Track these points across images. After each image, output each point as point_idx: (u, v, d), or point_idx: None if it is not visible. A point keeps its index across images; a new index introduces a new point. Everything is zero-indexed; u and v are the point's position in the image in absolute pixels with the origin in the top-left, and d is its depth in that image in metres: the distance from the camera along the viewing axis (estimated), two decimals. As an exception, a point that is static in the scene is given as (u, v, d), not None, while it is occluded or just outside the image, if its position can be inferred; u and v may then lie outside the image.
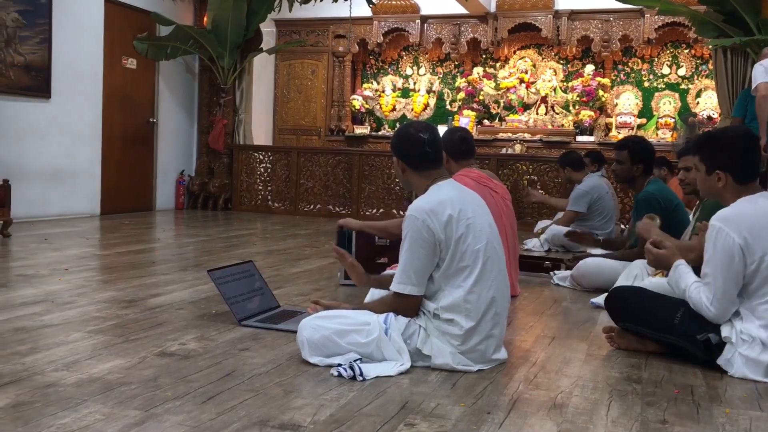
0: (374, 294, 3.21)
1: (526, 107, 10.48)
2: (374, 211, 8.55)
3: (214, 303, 3.41)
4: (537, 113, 10.39)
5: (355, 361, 2.39)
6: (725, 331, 2.55)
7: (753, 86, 5.31)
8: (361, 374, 2.32)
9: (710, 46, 7.16)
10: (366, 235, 4.16)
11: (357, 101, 11.03)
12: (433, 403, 2.14)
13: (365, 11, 9.99)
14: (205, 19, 8.92)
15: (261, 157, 9.17)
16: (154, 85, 8.85)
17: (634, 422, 2.06)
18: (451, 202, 2.50)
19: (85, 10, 7.66)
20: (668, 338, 2.72)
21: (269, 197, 9.10)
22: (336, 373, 2.35)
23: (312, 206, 8.90)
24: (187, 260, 5.07)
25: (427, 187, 2.61)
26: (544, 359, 2.73)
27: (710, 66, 9.17)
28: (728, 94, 6.64)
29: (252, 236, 6.72)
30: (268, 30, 10.60)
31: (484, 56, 10.89)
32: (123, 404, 2.02)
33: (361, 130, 10.95)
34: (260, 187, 9.15)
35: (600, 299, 3.70)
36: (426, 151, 2.58)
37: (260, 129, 10.63)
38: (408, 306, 2.51)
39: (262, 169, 9.15)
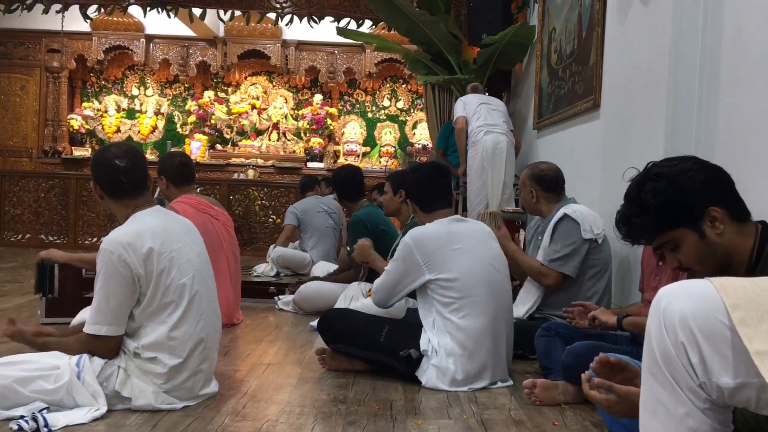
0: (82, 318, 2.89)
1: (258, 133, 10.55)
2: (94, 239, 7.92)
3: None
4: (269, 139, 10.52)
5: (40, 411, 2.14)
6: (423, 344, 2.77)
7: (453, 119, 5.90)
8: (46, 425, 2.08)
9: (420, 82, 7.84)
10: (72, 268, 3.81)
11: (75, 121, 10.21)
12: (128, 449, 2.00)
13: (83, 26, 9.31)
14: None
15: (-45, 181, 8.03)
16: None
17: (334, 443, 2.12)
18: (152, 233, 2.36)
19: None
20: (375, 356, 2.87)
21: (-34, 227, 7.98)
22: (16, 427, 2.08)
23: (20, 236, 7.98)
24: None
25: (128, 216, 2.45)
26: (256, 388, 2.71)
27: (423, 100, 10.06)
28: (437, 126, 7.28)
29: (-61, 273, 5.82)
30: (-35, 38, 9.39)
31: (215, 80, 10.76)
32: None
33: (80, 152, 10.14)
34: (-45, 216, 7.99)
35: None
36: (121, 180, 2.40)
37: (-44, 149, 9.33)
38: (106, 347, 2.31)
39: (-44, 195, 8.00)
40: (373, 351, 2.88)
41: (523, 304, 3.30)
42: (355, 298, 4.02)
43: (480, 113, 5.43)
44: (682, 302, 1.17)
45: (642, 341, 1.27)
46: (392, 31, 8.23)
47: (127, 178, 2.40)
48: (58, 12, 7.93)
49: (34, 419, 2.10)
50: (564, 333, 2.85)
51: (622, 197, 1.77)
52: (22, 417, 2.12)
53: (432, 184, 3.00)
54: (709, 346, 1.14)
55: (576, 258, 3.16)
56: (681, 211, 1.61)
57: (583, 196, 3.60)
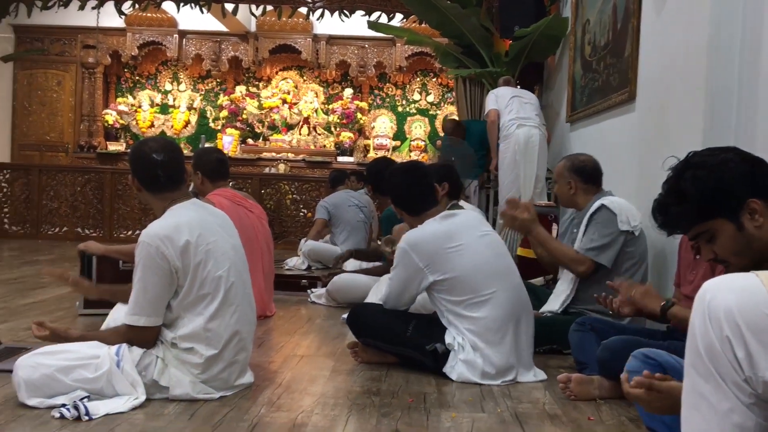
0: (115, 317, 2.91)
1: (289, 127, 10.62)
2: (129, 233, 8.05)
3: None
4: (300, 134, 10.58)
5: (81, 399, 2.18)
6: (448, 339, 2.76)
7: (485, 112, 5.87)
8: (87, 413, 2.12)
9: (451, 75, 7.81)
10: (110, 260, 3.87)
11: (110, 116, 10.37)
12: (167, 438, 2.03)
13: (117, 21, 9.45)
14: None
15: (-5, 175, 8.22)
16: None
17: (369, 435, 2.13)
18: (189, 226, 2.38)
19: None
20: (402, 350, 2.88)
21: (6, 220, 8.17)
22: (58, 415, 2.12)
23: (57, 229, 8.15)
24: None
25: (165, 209, 2.48)
26: (290, 379, 2.73)
27: (454, 94, 10.01)
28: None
29: (-20, 265, 5.97)
30: (5, 36, 9.60)
31: (246, 75, 10.85)
32: None
33: (115, 146, 10.30)
34: (-6, 209, 8.18)
35: (350, 315, 3.81)
36: (158, 174, 2.42)
37: (-5, 144, 9.55)
38: (144, 338, 2.35)
39: (-4, 189, 8.19)
40: (400, 345, 2.88)
41: (558, 297, 3.28)
42: (387, 291, 4.03)
43: (512, 106, 5.39)
44: (728, 296, 1.15)
45: (679, 336, 1.25)
46: (423, 25, 8.22)
47: (164, 171, 2.42)
48: (93, 8, 8.07)
49: (76, 407, 2.14)
50: (599, 328, 2.81)
51: (658, 191, 1.75)
52: (63, 405, 2.16)
53: (412, 188, 2.95)
54: (756, 340, 1.12)
55: (612, 249, 3.13)
56: (720, 201, 1.58)
57: (618, 189, 3.55)
